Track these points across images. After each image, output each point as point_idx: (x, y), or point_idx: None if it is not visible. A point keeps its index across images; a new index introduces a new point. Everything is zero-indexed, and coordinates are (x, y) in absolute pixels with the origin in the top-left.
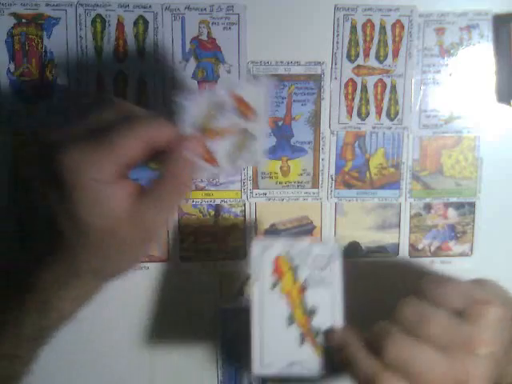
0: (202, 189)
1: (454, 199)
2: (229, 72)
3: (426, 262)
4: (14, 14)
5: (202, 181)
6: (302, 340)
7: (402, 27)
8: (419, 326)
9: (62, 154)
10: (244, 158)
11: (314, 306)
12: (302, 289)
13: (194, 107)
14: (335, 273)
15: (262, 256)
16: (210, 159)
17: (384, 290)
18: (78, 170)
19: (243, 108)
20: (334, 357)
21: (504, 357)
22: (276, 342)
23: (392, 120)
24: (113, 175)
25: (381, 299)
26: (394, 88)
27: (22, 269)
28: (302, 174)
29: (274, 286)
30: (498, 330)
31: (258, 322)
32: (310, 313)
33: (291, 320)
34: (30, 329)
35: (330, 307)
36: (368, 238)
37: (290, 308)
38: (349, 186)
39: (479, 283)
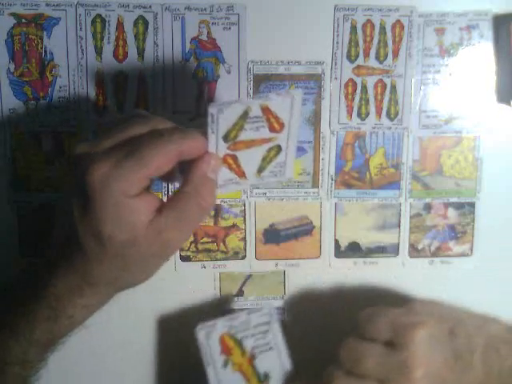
0: None
1: (454, 199)
2: (229, 72)
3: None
4: (14, 14)
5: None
6: None
7: (402, 27)
8: (356, 364)
9: (91, 166)
10: (272, 171)
11: (266, 371)
12: (252, 358)
13: (224, 118)
14: (277, 335)
15: (208, 340)
16: (238, 171)
17: (383, 290)
18: (105, 184)
19: (272, 120)
20: None
21: (452, 372)
22: None
23: (392, 120)
24: (139, 189)
25: (381, 298)
26: (393, 88)
27: (35, 275)
28: (301, 174)
29: (226, 364)
30: (430, 349)
31: None
32: (264, 378)
33: None
34: (41, 335)
35: (280, 368)
36: (368, 238)
37: (245, 380)
38: (349, 186)
39: (409, 308)
